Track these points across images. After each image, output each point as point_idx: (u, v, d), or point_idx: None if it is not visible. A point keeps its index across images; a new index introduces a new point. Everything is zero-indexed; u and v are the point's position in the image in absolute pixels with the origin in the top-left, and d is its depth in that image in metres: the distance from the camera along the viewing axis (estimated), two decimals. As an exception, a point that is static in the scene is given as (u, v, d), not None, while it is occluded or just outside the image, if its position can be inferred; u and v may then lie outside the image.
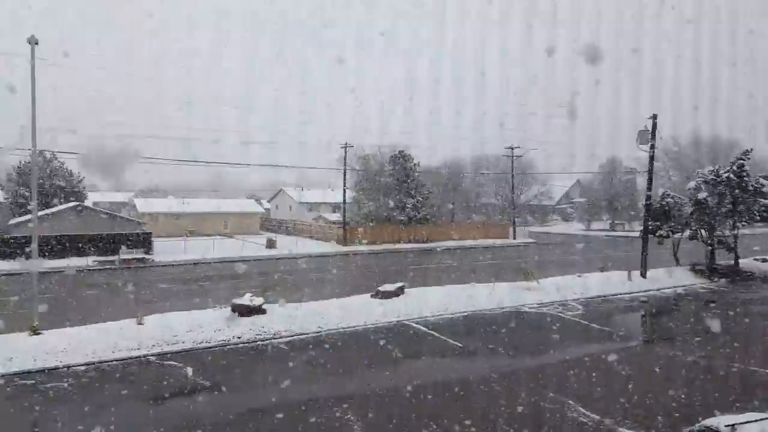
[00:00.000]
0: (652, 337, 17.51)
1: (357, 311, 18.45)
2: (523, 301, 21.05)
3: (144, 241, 38.39)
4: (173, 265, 34.66)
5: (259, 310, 17.43)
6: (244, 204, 67.53)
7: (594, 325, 17.72)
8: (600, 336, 16.60)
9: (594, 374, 12.75)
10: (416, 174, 53.00)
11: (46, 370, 12.77)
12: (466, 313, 19.20)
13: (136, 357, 13.86)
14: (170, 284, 26.68)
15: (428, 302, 19.92)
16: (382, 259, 38.45)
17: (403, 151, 52.90)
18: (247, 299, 17.63)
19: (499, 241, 52.84)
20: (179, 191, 69.07)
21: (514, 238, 55.60)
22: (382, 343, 15.61)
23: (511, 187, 59.33)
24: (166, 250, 40.19)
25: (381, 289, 20.58)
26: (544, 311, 19.75)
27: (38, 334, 14.89)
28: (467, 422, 9.80)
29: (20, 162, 48.96)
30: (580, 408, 10.50)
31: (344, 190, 49.46)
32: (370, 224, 50.66)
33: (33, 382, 12.12)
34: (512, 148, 56.42)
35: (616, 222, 70.09)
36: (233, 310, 17.29)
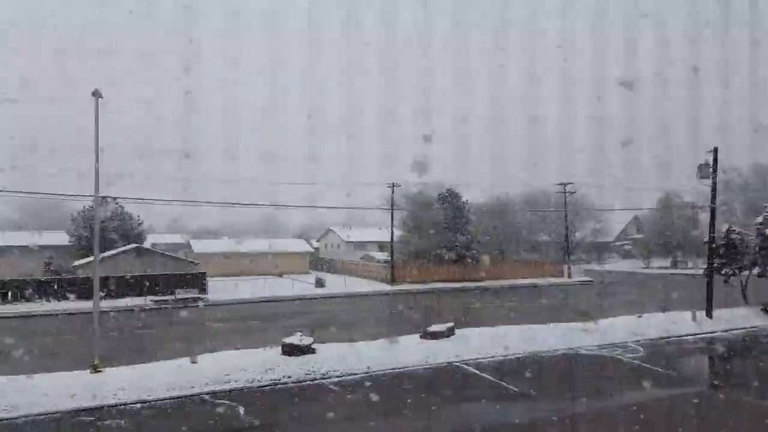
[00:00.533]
0: (720, 382, 16.34)
1: (406, 352, 18.19)
2: (580, 342, 20.20)
3: (199, 281, 39.58)
4: (226, 304, 35.43)
5: (308, 350, 17.48)
6: (294, 244, 68.80)
7: (656, 368, 16.72)
8: (663, 380, 15.63)
9: (657, 420, 11.96)
10: (466, 211, 52.72)
11: (105, 407, 13.16)
12: (519, 356, 18.56)
13: (190, 396, 14.10)
14: (223, 323, 27.21)
15: (480, 343, 19.42)
16: (431, 299, 38.00)
17: (451, 189, 52.89)
18: (296, 339, 17.74)
19: (553, 280, 51.32)
20: (232, 232, 71.26)
21: (569, 277, 53.86)
22: (432, 384, 15.27)
23: (564, 224, 57.92)
24: (219, 290, 41.23)
25: (430, 329, 20.26)
26: (603, 353, 18.86)
27: (99, 371, 15.43)
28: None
29: (83, 207, 51.99)
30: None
31: (392, 229, 49.67)
32: (419, 263, 50.41)
33: (92, 418, 12.50)
34: (564, 184, 55.34)
35: (678, 259, 66.93)
36: (283, 350, 17.39)
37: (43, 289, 35.37)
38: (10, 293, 34.29)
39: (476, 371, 16.58)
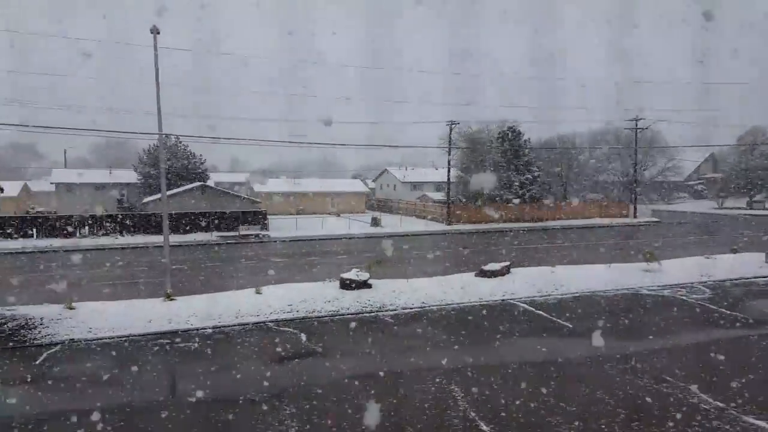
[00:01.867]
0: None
1: (461, 289, 18.38)
2: (642, 282, 19.69)
3: (260, 219, 41.09)
4: (286, 241, 36.73)
5: (365, 285, 18.01)
6: (350, 184, 69.59)
7: (722, 309, 16.13)
8: (729, 321, 15.08)
9: (719, 360, 11.64)
10: (526, 150, 51.16)
11: (179, 332, 14.22)
12: (577, 294, 18.37)
13: (255, 323, 14.97)
14: (284, 258, 28.34)
15: (536, 282, 19.32)
16: (488, 239, 37.81)
17: (512, 127, 51.25)
18: (353, 274, 18.27)
19: (617, 221, 49.70)
20: (291, 172, 72.74)
21: (635, 217, 51.93)
22: (486, 320, 15.45)
23: (633, 162, 55.18)
24: (279, 227, 42.72)
25: (486, 267, 20.28)
26: (665, 294, 18.34)
27: (172, 300, 16.59)
28: (572, 405, 9.45)
29: (149, 145, 54.39)
30: (702, 395, 9.69)
31: (448, 168, 49.06)
32: (476, 203, 49.94)
33: (168, 341, 13.56)
34: (636, 120, 52.26)
35: (754, 200, 62.81)
36: (341, 284, 18.01)
37: (118, 223, 37.82)
38: (87, 227, 36.93)
39: (531, 308, 16.59)
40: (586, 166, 68.58)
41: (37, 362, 11.94)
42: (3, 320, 14.19)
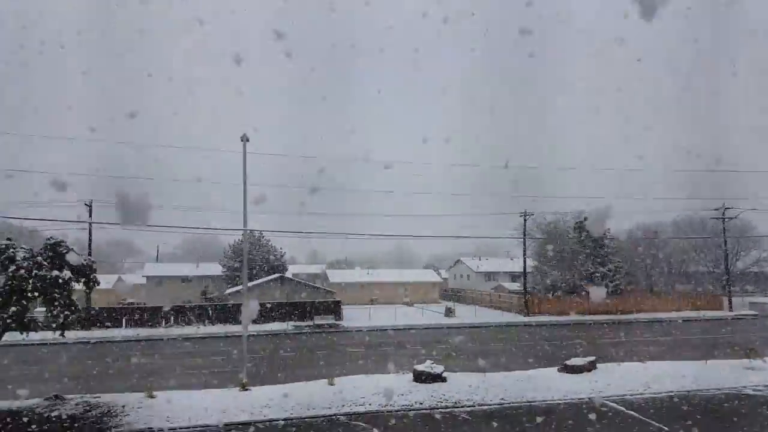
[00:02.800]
0: None
1: (542, 385, 17.21)
2: (745, 382, 17.60)
3: (334, 308, 41.46)
4: (359, 330, 36.53)
5: (439, 378, 17.32)
6: (424, 274, 69.32)
7: None
8: None
9: None
10: (607, 241, 49.26)
11: (252, 423, 14.12)
12: (671, 394, 16.63)
13: (328, 416, 14.63)
14: (357, 348, 28.04)
15: (625, 379, 17.76)
16: (569, 332, 35.68)
17: (591, 217, 49.94)
18: (427, 366, 17.70)
19: (710, 314, 45.61)
20: (366, 262, 73.85)
21: (730, 310, 47.49)
22: (571, 420, 14.21)
23: (724, 252, 51.43)
24: (353, 317, 42.75)
25: (569, 362, 19.01)
26: (779, 396, 16.18)
27: (247, 389, 16.70)
28: None
29: (234, 240, 57.55)
30: None
31: (524, 258, 47.94)
32: (555, 294, 47.88)
33: (242, 432, 13.48)
34: (723, 210, 49.38)
35: None
36: (414, 377, 17.43)
37: (200, 314, 39.44)
38: (172, 317, 38.75)
39: (622, 408, 15.12)
40: (671, 256, 64.52)
41: (118, 449, 12.20)
42: (88, 407, 14.80)
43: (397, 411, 15.04)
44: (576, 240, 49.06)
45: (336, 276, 64.12)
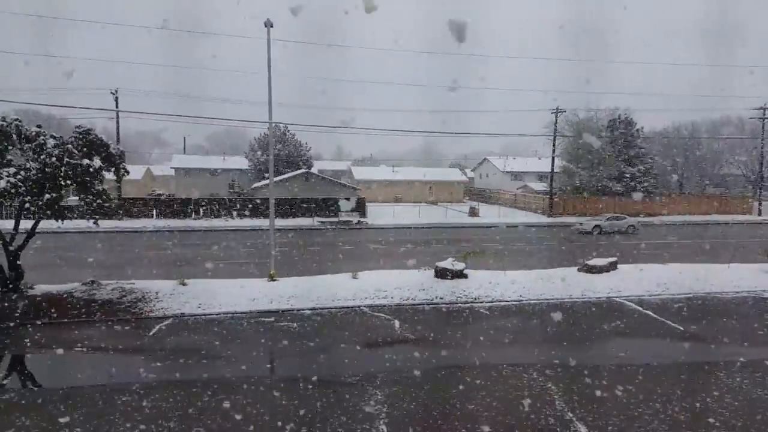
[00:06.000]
0: None
1: (561, 283, 17.40)
2: (765, 285, 17.56)
3: (359, 206, 41.88)
4: (383, 228, 37.11)
5: (460, 275, 17.62)
6: (449, 173, 68.83)
7: None
8: None
9: None
10: (638, 141, 47.45)
11: (280, 311, 14.79)
12: (690, 295, 16.72)
13: (351, 307, 15.20)
14: (380, 245, 28.62)
15: (644, 280, 17.83)
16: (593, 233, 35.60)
17: (623, 115, 47.77)
18: (449, 263, 17.95)
19: (740, 218, 44.77)
20: (391, 160, 73.43)
21: (759, 215, 46.47)
22: (588, 318, 14.47)
23: (759, 154, 49.26)
24: (377, 214, 43.28)
25: (590, 263, 19.05)
26: (802, 302, 16.10)
27: (274, 280, 17.31)
28: (683, 407, 8.49)
29: (260, 134, 57.33)
30: None
31: (552, 158, 46.78)
32: (582, 195, 47.24)
33: (270, 320, 14.15)
34: (763, 109, 46.53)
35: None
36: (436, 273, 17.76)
37: (228, 207, 40.34)
38: (201, 210, 39.77)
39: (638, 307, 15.31)
40: (705, 158, 62.22)
41: (151, 333, 12.97)
42: (123, 293, 15.59)
43: (418, 304, 15.52)
44: (607, 139, 47.41)
45: (361, 173, 64.14)
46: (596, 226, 34.46)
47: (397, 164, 69.68)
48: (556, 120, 45.40)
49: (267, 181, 35.64)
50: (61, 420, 8.19)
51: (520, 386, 9.71)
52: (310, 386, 9.71)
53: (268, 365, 11.58)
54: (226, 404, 8.88)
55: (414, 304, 15.53)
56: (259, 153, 56.34)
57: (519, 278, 17.80)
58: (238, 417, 8.41)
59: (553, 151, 46.44)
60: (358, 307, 15.22)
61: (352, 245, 28.51)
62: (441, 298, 15.99)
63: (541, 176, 63.78)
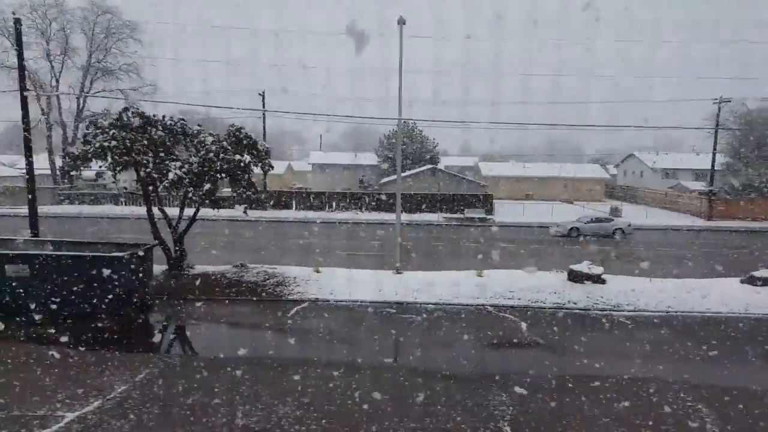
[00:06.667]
0: None
1: (722, 296, 15.44)
2: None
3: (486, 202, 41.08)
4: (511, 226, 35.98)
5: (597, 279, 16.44)
6: (587, 169, 64.62)
7: None
8: None
9: None
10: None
11: (405, 303, 15.00)
12: None
13: (475, 305, 14.93)
14: (507, 243, 27.78)
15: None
16: (763, 241, 31.18)
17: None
18: (585, 266, 16.84)
19: None
20: (522, 156, 70.87)
21: None
22: (752, 336, 12.66)
23: None
24: (505, 212, 42.10)
25: (756, 274, 16.69)
26: None
27: (399, 273, 17.60)
28: None
29: (389, 130, 58.64)
30: None
31: (713, 155, 41.72)
32: (748, 197, 41.56)
33: (394, 311, 14.41)
34: None
35: None
36: (570, 276, 16.77)
37: (358, 201, 41.91)
38: (334, 203, 41.78)
39: (823, 332, 13.03)
40: None
41: (289, 315, 13.89)
42: (267, 277, 16.89)
43: (547, 308, 14.77)
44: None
45: (488, 169, 62.74)
46: (573, 228, 30.31)
47: (528, 160, 67.08)
48: (719, 111, 40.40)
49: (394, 177, 36.38)
50: (214, 386, 9.06)
51: (663, 404, 8.78)
52: (433, 379, 9.70)
53: (393, 354, 11.79)
54: (354, 385, 9.22)
55: (544, 308, 14.81)
56: (387, 149, 57.79)
57: (667, 287, 16.14)
58: (365, 398, 8.67)
59: (715, 146, 41.43)
60: (483, 305, 14.89)
61: (476, 242, 28.04)
62: (574, 303, 15.06)
63: (697, 174, 57.34)
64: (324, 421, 7.89)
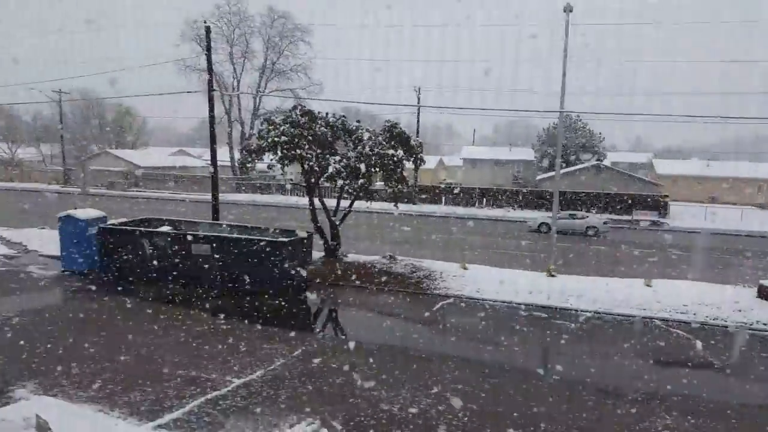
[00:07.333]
0: None
1: None
2: None
3: (659, 204, 37.08)
4: (689, 231, 32.00)
5: (798, 298, 13.82)
6: (789, 170, 54.89)
7: None
8: None
9: None
10: None
11: (557, 308, 14.10)
12: None
13: (641, 316, 13.49)
14: (683, 251, 24.73)
15: None
16: None
17: None
18: (782, 282, 14.27)
19: None
20: (705, 152, 62.69)
21: None
22: None
23: None
24: (683, 216, 37.61)
25: None
26: None
27: (552, 276, 16.60)
28: None
29: (549, 124, 55.79)
30: None
31: None
32: None
33: (545, 315, 13.61)
34: None
35: None
36: (760, 292, 14.34)
37: (510, 197, 40.58)
38: (484, 200, 40.98)
39: None
40: None
41: (434, 309, 13.89)
42: (413, 269, 17.13)
43: (729, 326, 12.79)
44: None
45: (664, 167, 56.49)
46: (543, 223, 29.24)
47: (711, 157, 59.07)
48: None
49: (553, 173, 34.49)
50: (361, 369, 9.41)
51: None
52: (586, 392, 8.95)
53: (541, 361, 11.16)
54: (499, 388, 8.90)
55: (724, 326, 12.85)
56: (545, 144, 55.12)
57: None
58: (509, 402, 8.32)
59: None
60: (649, 318, 13.37)
61: (644, 248, 25.39)
62: (765, 325, 12.83)
63: None
64: (466, 419, 7.71)
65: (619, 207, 37.73)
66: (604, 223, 29.79)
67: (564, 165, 45.38)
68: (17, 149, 69.42)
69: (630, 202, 37.63)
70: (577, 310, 13.93)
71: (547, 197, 38.75)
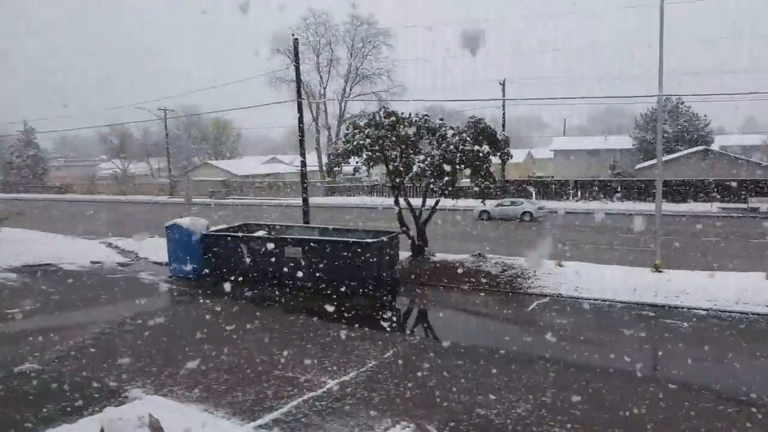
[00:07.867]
0: None
1: None
2: None
3: (780, 189, 33.41)
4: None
5: None
6: None
7: None
8: None
9: None
10: None
11: (666, 306, 13.02)
12: None
13: (763, 314, 12.13)
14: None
15: None
16: None
17: None
18: None
19: None
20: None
21: None
22: None
23: None
24: (808, 201, 33.50)
25: None
26: None
27: (660, 272, 15.33)
28: None
29: (647, 109, 51.95)
30: None
31: None
32: None
33: (653, 314, 12.61)
34: None
35: None
36: None
37: (607, 189, 38.30)
38: (579, 192, 38.98)
39: None
40: None
41: (528, 309, 13.34)
42: (504, 268, 16.54)
43: None
44: None
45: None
46: (484, 211, 29.58)
47: None
48: None
49: (654, 161, 32.08)
50: (453, 372, 9.20)
51: None
52: (700, 398, 8.15)
53: (652, 365, 10.31)
54: (602, 392, 8.35)
55: None
56: (644, 131, 51.47)
57: None
58: (615, 409, 7.75)
59: None
60: (783, 316, 11.97)
61: (764, 238, 22.90)
62: None
63: None
64: (569, 425, 7.26)
65: (731, 194, 34.34)
66: (538, 208, 31.12)
67: (666, 151, 42.10)
68: (129, 164, 76.18)
69: (743, 188, 34.16)
70: (690, 308, 12.78)
71: (648, 187, 36.14)
